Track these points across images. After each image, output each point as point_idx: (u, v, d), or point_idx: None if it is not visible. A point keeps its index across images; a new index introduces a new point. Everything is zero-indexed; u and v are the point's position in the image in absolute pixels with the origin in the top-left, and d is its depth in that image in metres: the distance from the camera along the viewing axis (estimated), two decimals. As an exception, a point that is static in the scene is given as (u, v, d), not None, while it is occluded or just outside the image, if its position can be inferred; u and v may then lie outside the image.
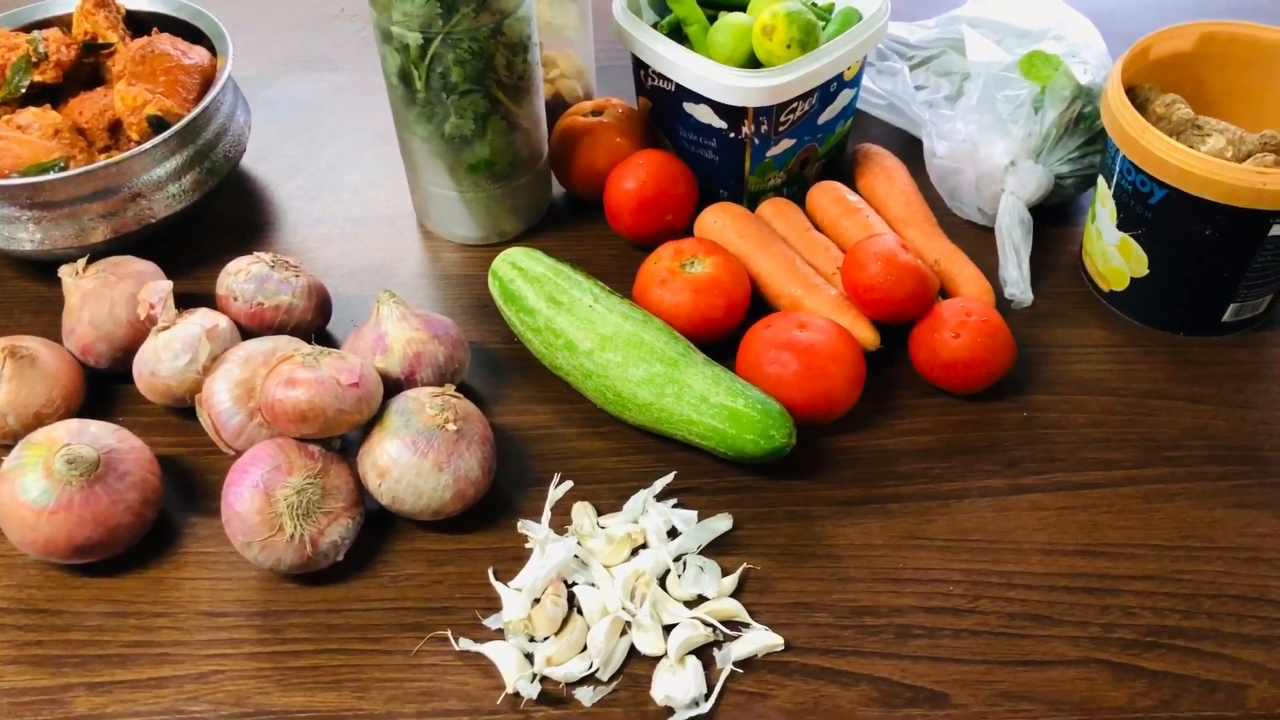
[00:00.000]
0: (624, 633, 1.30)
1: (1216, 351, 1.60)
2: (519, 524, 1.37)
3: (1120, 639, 1.30)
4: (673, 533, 1.38)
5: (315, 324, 1.57)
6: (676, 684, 1.25)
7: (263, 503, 1.29)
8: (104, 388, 1.56)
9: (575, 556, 1.34)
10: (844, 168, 1.83)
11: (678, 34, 1.70)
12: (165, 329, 1.46)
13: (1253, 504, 1.43)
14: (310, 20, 2.27)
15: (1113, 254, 1.59)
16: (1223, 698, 1.26)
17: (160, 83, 1.69)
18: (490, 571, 1.35)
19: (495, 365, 1.59)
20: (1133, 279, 1.59)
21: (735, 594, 1.34)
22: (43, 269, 1.67)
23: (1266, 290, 1.55)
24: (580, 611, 1.31)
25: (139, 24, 1.82)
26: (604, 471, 1.46)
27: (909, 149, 1.83)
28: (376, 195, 1.85)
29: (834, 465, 1.47)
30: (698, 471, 1.46)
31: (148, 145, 1.60)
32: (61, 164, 1.61)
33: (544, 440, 1.50)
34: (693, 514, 1.39)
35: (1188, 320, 1.60)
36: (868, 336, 1.53)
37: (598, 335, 1.46)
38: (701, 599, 1.33)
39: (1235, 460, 1.48)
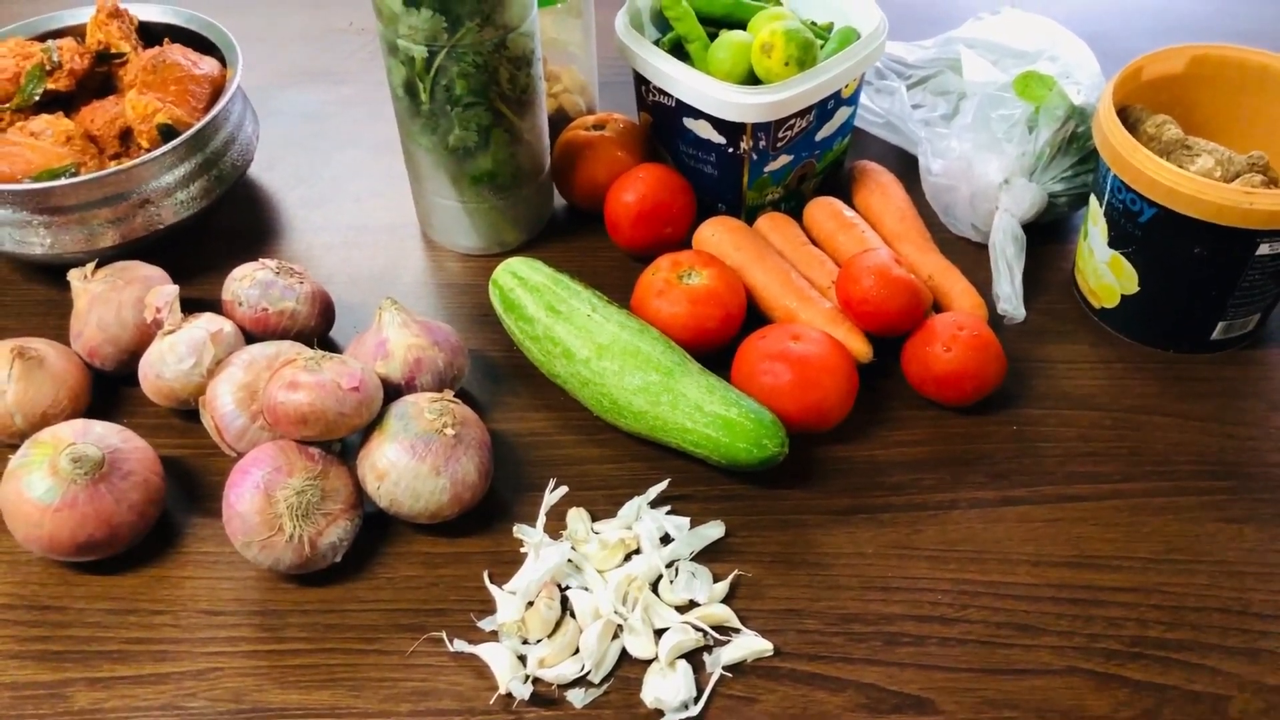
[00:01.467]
0: (616, 636, 1.31)
1: (1205, 368, 1.61)
2: (514, 528, 1.39)
3: (1104, 649, 1.32)
4: (666, 539, 1.40)
5: (318, 330, 1.59)
6: (667, 687, 1.26)
7: (263, 503, 1.31)
8: (110, 389, 1.57)
9: (569, 561, 1.36)
10: (841, 184, 1.84)
11: (679, 51, 1.71)
12: (171, 333, 1.48)
13: (1237, 518, 1.44)
14: (318, 33, 2.28)
15: (1104, 271, 1.61)
16: (1205, 708, 1.27)
17: (171, 92, 1.70)
18: (485, 574, 1.37)
19: (494, 372, 1.61)
20: (1123, 296, 1.60)
21: (726, 600, 1.35)
22: (52, 273, 1.69)
23: (1255, 309, 1.57)
24: (573, 615, 1.32)
25: (151, 35, 1.84)
26: (599, 478, 1.47)
27: (905, 166, 1.84)
28: (380, 205, 1.87)
29: (826, 475, 1.48)
30: (691, 479, 1.47)
31: (157, 153, 1.62)
32: (73, 170, 1.63)
33: (540, 446, 1.52)
34: (685, 521, 1.40)
35: (1177, 337, 1.62)
36: (861, 349, 1.55)
37: (595, 344, 1.47)
38: (693, 604, 1.34)
39: (1221, 475, 1.49)
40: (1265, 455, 1.51)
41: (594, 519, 1.42)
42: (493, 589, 1.35)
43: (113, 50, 1.80)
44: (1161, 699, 1.28)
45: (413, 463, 1.35)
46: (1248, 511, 1.45)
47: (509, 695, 1.26)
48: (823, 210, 1.73)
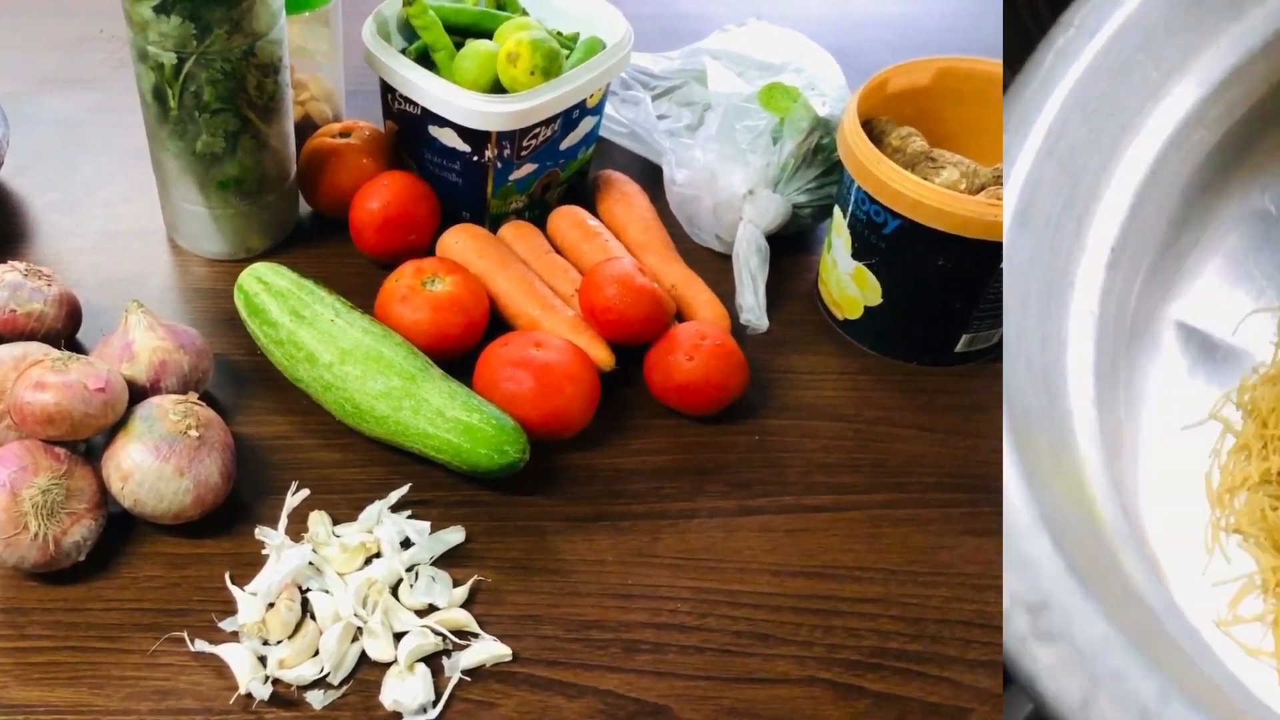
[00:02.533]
0: (355, 639, 1.31)
1: (948, 381, 1.64)
2: (256, 530, 1.39)
3: (844, 659, 1.33)
4: (406, 543, 1.40)
5: (66, 332, 1.57)
6: (405, 690, 1.27)
7: (9, 502, 1.30)
8: None
9: (310, 564, 1.36)
10: (585, 193, 1.85)
11: (425, 60, 1.72)
12: (-89, 334, 1.46)
13: (980, 531, 1.46)
14: (70, 40, 2.26)
15: (847, 283, 1.63)
16: None
17: (-82, 97, 1.69)
18: (227, 575, 1.36)
19: (238, 376, 1.60)
20: (867, 308, 1.62)
21: (466, 605, 1.36)
22: None
23: (998, 321, 1.59)
24: (313, 617, 1.33)
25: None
26: (341, 482, 1.48)
27: (650, 176, 1.85)
28: (129, 211, 1.85)
29: (567, 482, 1.50)
30: (433, 484, 1.47)
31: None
32: None
33: (283, 450, 1.52)
34: (426, 525, 1.41)
35: (920, 349, 1.65)
36: (603, 357, 1.56)
37: (338, 349, 1.47)
38: (432, 608, 1.35)
39: (964, 488, 1.51)
40: (1006, 468, 1.53)
41: (335, 522, 1.42)
42: (234, 590, 1.35)
43: None
44: (901, 710, 1.29)
45: (156, 464, 1.35)
46: (990, 524, 1.47)
47: (249, 695, 1.26)
48: (566, 219, 1.75)
